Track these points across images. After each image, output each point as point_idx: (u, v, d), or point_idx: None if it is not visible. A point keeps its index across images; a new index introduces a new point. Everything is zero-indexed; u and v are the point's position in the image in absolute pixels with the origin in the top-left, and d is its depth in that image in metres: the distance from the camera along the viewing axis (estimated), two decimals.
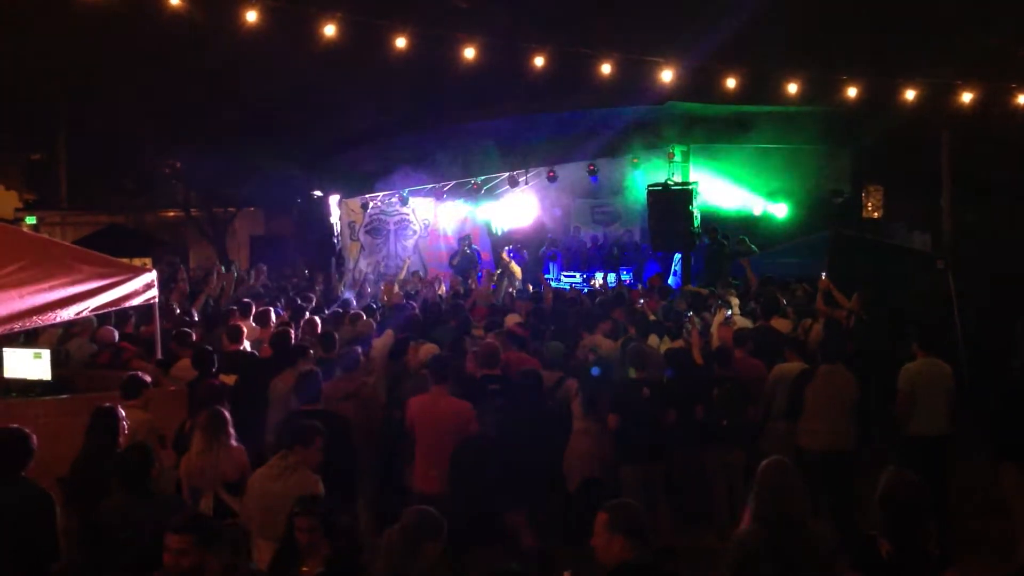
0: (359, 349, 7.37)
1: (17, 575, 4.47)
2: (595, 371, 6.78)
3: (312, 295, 11.55)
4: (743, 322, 9.23)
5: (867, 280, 10.03)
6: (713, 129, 15.50)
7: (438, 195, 18.51)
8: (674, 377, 7.11)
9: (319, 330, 8.50)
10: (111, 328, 8.76)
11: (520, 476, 5.83)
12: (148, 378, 6.35)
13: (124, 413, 5.56)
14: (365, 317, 9.14)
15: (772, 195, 16.71)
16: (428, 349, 7.46)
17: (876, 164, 16.68)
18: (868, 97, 11.77)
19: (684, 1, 12.72)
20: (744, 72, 11.57)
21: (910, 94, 11.61)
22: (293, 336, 8.01)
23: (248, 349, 8.11)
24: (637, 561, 3.65)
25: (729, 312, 9.46)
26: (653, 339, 8.53)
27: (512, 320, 9.00)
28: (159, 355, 8.07)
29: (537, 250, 18.30)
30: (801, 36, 11.94)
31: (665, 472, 6.85)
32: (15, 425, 4.83)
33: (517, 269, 16.03)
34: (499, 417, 6.34)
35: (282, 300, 11.57)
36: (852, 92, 11.68)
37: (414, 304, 10.31)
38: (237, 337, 8.03)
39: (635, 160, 16.04)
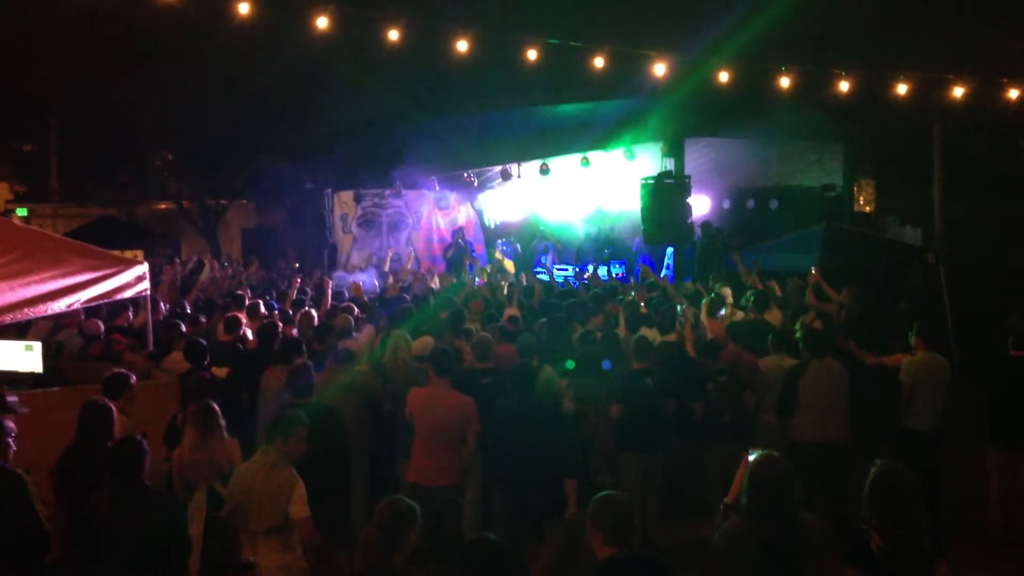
0: (356, 340, 7.35)
1: (9, 557, 4.43)
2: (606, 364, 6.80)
3: (308, 288, 11.52)
4: (736, 315, 9.24)
5: (859, 274, 10.06)
6: (706, 122, 15.48)
7: (431, 188, 18.47)
8: (670, 370, 7.14)
9: (316, 323, 8.47)
10: (97, 320, 8.72)
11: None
12: (133, 378, 6.16)
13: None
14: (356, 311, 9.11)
15: (764, 189, 16.73)
16: (423, 342, 7.45)
17: (868, 158, 16.72)
18: (860, 91, 11.79)
19: None
20: (737, 65, 11.57)
21: (902, 88, 11.63)
22: (280, 328, 7.97)
23: (249, 336, 8.07)
24: (622, 555, 3.67)
25: (722, 310, 9.46)
26: (645, 331, 8.51)
27: (510, 314, 8.98)
28: (151, 347, 8.05)
29: (529, 243, 18.28)
30: (794, 30, 11.93)
31: (663, 463, 6.89)
32: None
33: (510, 264, 16.05)
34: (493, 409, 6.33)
35: (273, 292, 11.52)
36: (844, 86, 11.70)
37: (406, 296, 10.29)
38: (234, 327, 7.99)
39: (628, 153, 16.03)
